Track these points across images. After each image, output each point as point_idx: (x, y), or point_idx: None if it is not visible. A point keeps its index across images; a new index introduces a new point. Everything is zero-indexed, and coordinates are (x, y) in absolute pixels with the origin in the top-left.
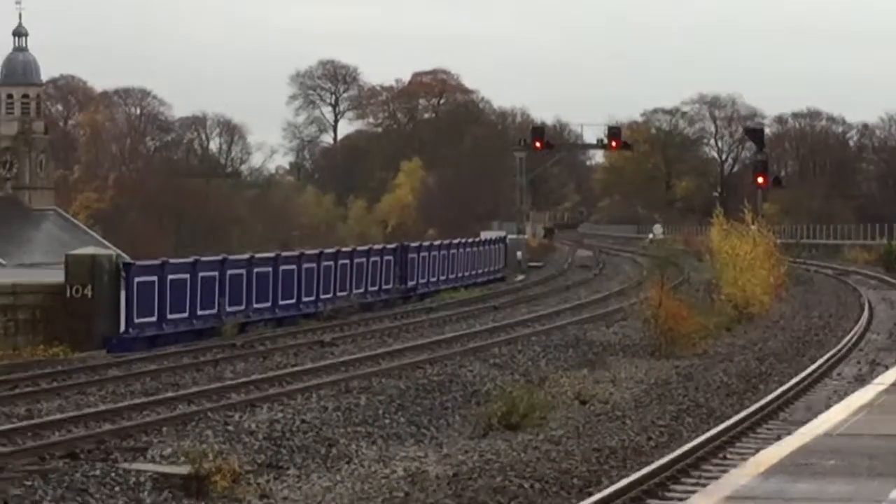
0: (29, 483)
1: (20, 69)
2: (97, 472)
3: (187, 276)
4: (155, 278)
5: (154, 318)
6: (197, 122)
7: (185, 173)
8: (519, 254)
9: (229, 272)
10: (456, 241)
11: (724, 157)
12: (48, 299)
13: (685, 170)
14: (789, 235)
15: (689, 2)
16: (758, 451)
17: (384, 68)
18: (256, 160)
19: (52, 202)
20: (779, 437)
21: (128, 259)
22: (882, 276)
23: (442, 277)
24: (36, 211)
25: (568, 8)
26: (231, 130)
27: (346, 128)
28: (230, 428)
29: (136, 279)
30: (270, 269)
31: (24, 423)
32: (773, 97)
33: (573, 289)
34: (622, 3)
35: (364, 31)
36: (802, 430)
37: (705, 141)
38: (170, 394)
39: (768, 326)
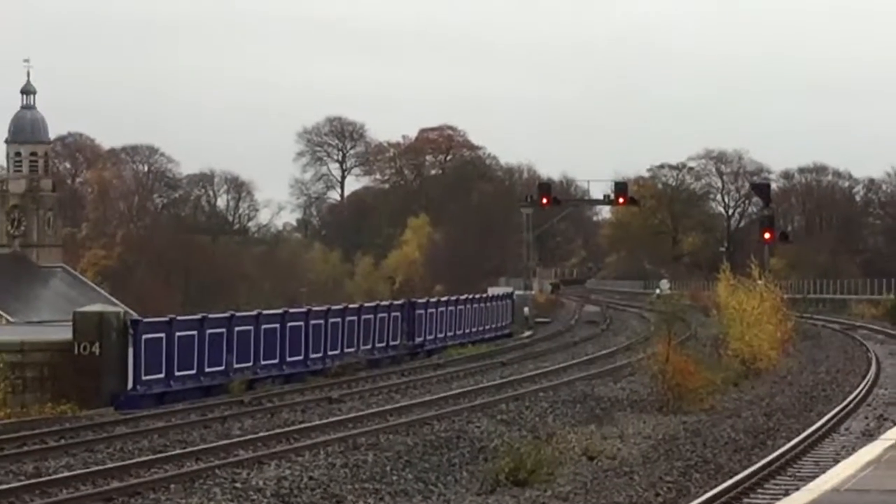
0: None
1: (28, 127)
2: None
3: (195, 332)
4: (163, 335)
5: (162, 375)
6: (204, 179)
7: (193, 230)
8: (526, 309)
9: (237, 329)
10: (463, 297)
11: (730, 212)
12: (56, 357)
13: (692, 225)
14: (796, 290)
15: (696, 56)
16: None
17: (391, 125)
18: (264, 217)
19: (59, 259)
20: (787, 493)
21: (135, 316)
22: (889, 330)
23: (449, 333)
24: (44, 268)
25: (574, 64)
26: (238, 187)
27: (353, 184)
28: (238, 485)
29: (144, 336)
30: (278, 325)
31: (32, 480)
32: (779, 152)
33: (580, 344)
34: (629, 60)
35: (371, 87)
36: (810, 485)
37: (712, 196)
38: (177, 451)
39: (776, 381)
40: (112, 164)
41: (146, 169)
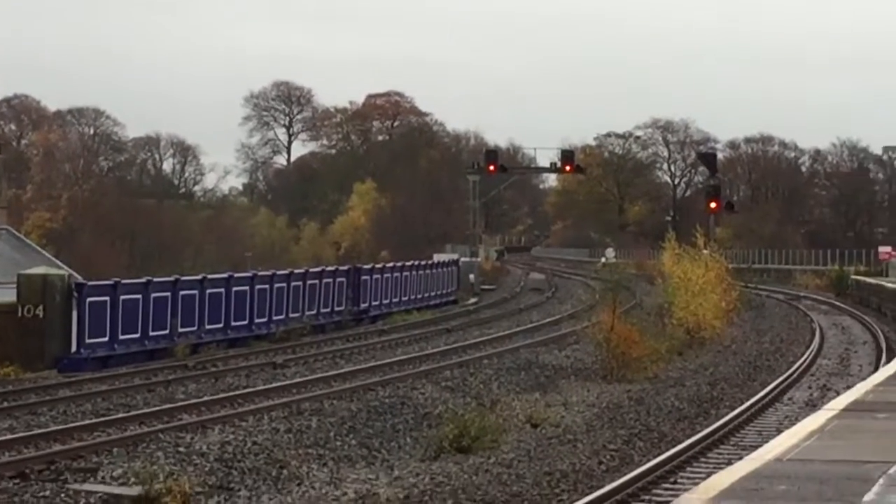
0: None
1: None
2: (47, 493)
3: (140, 296)
4: (107, 299)
5: (106, 339)
6: (150, 143)
7: (139, 194)
8: (472, 276)
9: (182, 293)
10: (409, 263)
11: (676, 181)
12: None
13: (638, 194)
14: (741, 260)
15: (643, 27)
16: (708, 475)
17: (338, 90)
18: (210, 181)
19: (4, 221)
20: (730, 462)
21: (80, 279)
22: (833, 301)
23: (395, 300)
24: None
25: (522, 32)
26: (185, 151)
27: (299, 149)
28: (181, 449)
29: (89, 299)
30: (223, 290)
31: None
32: (726, 122)
33: (525, 312)
34: (576, 29)
35: (318, 53)
36: (753, 455)
37: (658, 165)
38: (121, 414)
39: (720, 351)
40: (58, 127)
41: (92, 132)
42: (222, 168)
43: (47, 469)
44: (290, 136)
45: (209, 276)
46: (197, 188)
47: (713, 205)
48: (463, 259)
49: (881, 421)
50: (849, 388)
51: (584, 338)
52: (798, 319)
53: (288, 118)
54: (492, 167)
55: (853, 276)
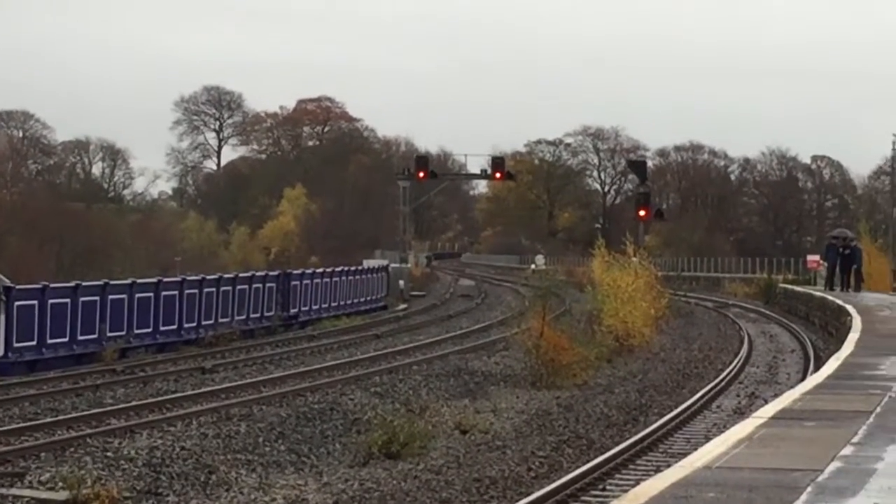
0: None
1: None
2: None
3: (68, 300)
4: (35, 302)
5: (34, 343)
6: (80, 146)
7: (68, 197)
8: (401, 282)
9: (111, 297)
10: (338, 269)
11: (606, 188)
12: None
13: (568, 201)
14: (670, 268)
15: (573, 35)
16: (637, 483)
17: (269, 95)
18: (139, 185)
19: None
20: (658, 470)
21: (8, 283)
22: (761, 309)
23: (324, 305)
24: None
25: (454, 39)
26: (114, 155)
27: (229, 154)
28: (109, 454)
29: (17, 303)
30: (152, 294)
31: None
32: (656, 130)
33: (455, 318)
34: (508, 35)
35: (249, 58)
36: (682, 462)
37: (588, 173)
38: (49, 419)
39: (649, 358)
40: None
41: (21, 135)
42: (152, 172)
43: None
44: (220, 140)
45: (138, 281)
46: (126, 192)
47: (643, 212)
48: (393, 265)
49: (809, 429)
50: (777, 396)
51: (513, 344)
52: (727, 327)
53: (218, 122)
54: (422, 173)
55: (781, 285)
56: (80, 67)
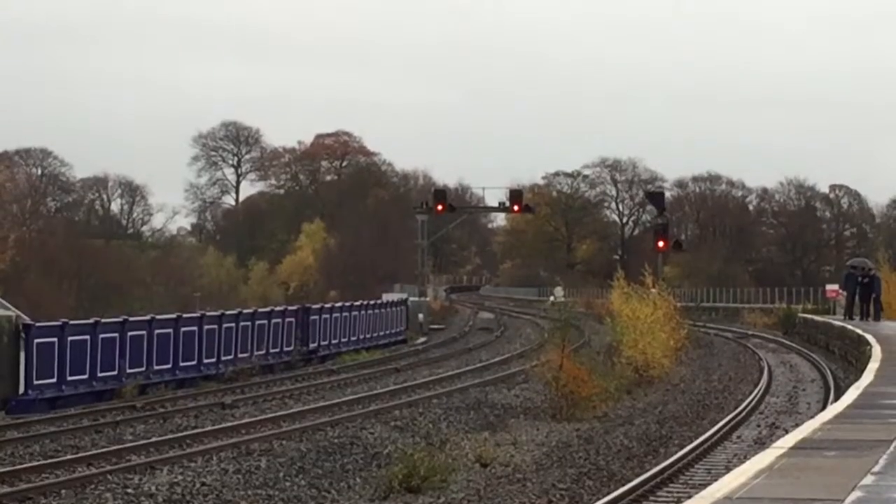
0: None
1: None
2: None
3: (88, 337)
4: (55, 339)
5: (54, 380)
6: (98, 183)
7: (87, 234)
8: (420, 316)
9: (130, 333)
10: (357, 303)
11: (624, 220)
12: None
13: (586, 233)
14: (689, 298)
15: (590, 66)
16: None
17: (287, 130)
18: (158, 221)
19: None
20: (678, 501)
21: (28, 320)
22: (780, 339)
23: (343, 339)
24: None
25: (471, 72)
26: (132, 191)
27: (248, 189)
28: (130, 490)
29: (36, 340)
30: (171, 330)
31: None
32: (674, 161)
33: (474, 351)
34: (525, 69)
35: (266, 93)
36: (703, 493)
37: (606, 204)
38: (69, 456)
39: (668, 389)
40: (5, 167)
41: (40, 172)
42: (170, 208)
43: None
44: (238, 175)
45: (157, 317)
46: (145, 228)
47: (661, 243)
48: (412, 298)
49: (829, 459)
50: (797, 426)
51: (532, 377)
52: (746, 358)
53: (236, 158)
54: (440, 206)
55: (801, 314)
56: (98, 104)
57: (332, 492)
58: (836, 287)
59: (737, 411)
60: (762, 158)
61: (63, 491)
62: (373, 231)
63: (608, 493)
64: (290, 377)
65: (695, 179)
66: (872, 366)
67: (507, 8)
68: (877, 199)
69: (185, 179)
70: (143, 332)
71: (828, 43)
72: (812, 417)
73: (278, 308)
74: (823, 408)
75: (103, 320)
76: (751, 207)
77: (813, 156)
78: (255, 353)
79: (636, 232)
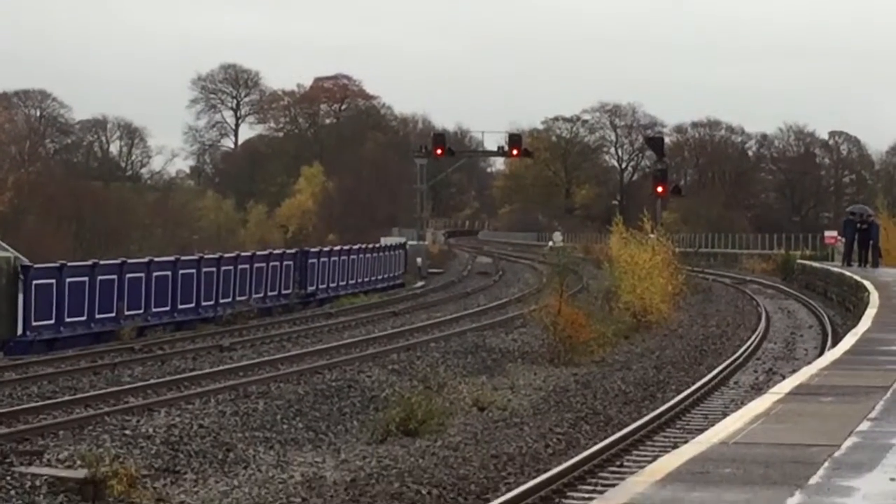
0: None
1: None
2: None
3: (86, 279)
4: (53, 281)
5: (52, 321)
6: (97, 125)
7: (85, 176)
8: (419, 260)
9: (128, 276)
10: (356, 246)
11: (623, 165)
12: None
13: (585, 178)
14: (688, 244)
15: (591, 11)
16: (655, 458)
17: (286, 73)
18: (157, 164)
19: None
20: (675, 446)
21: (26, 262)
22: (779, 285)
23: (342, 283)
24: None
25: (471, 15)
26: (131, 133)
27: (247, 132)
28: (127, 432)
29: (35, 282)
30: (170, 273)
31: None
32: (674, 107)
33: (473, 295)
34: (525, 12)
35: (266, 36)
36: (699, 438)
37: (605, 149)
38: (67, 397)
39: (666, 335)
40: (3, 109)
41: (38, 114)
42: (169, 151)
43: None
44: (237, 119)
45: (156, 259)
46: (144, 171)
47: (660, 189)
48: (410, 242)
49: (827, 405)
50: (794, 371)
51: (530, 321)
52: (744, 303)
53: (235, 101)
54: (439, 151)
55: (799, 261)
56: (96, 46)
57: (329, 435)
58: (834, 233)
59: (734, 357)
60: (762, 104)
61: (61, 432)
62: (372, 175)
63: (605, 438)
64: (288, 320)
65: (694, 125)
66: (870, 312)
67: None
68: (876, 145)
69: (184, 122)
70: (142, 275)
71: None
72: (809, 363)
73: (277, 251)
74: (821, 354)
75: (101, 262)
76: (750, 153)
77: (813, 102)
78: (254, 296)
79: (635, 177)
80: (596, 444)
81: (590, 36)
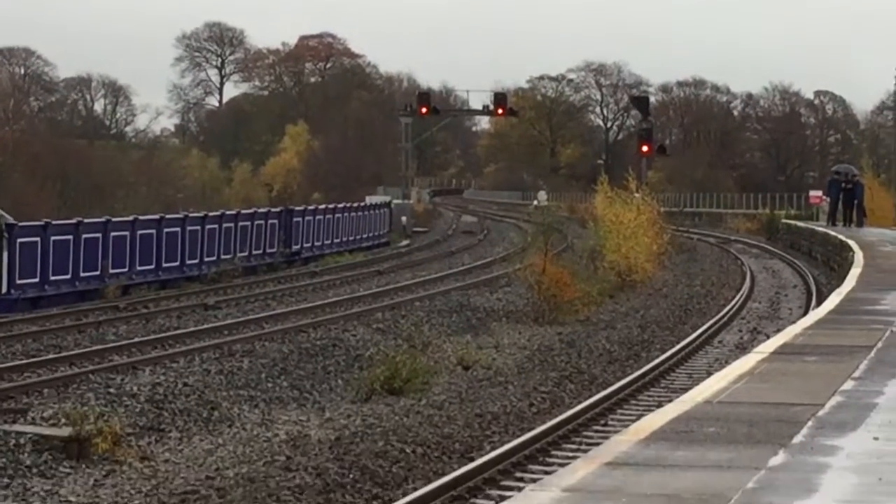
0: None
1: None
2: None
3: (71, 237)
4: (38, 239)
5: (37, 280)
6: (81, 83)
7: (70, 134)
8: (404, 219)
9: (113, 234)
10: (341, 205)
11: (609, 124)
12: None
13: (570, 137)
14: (673, 204)
15: None
16: (639, 417)
17: (271, 32)
18: (141, 122)
19: None
20: (659, 405)
21: (10, 220)
22: (763, 245)
23: (326, 241)
24: None
25: None
26: (116, 92)
27: (231, 91)
28: (112, 390)
29: (19, 240)
30: (154, 231)
31: None
32: (659, 66)
33: (457, 254)
34: None
35: None
36: (683, 397)
37: (591, 108)
38: (51, 355)
39: (651, 294)
40: None
41: (22, 72)
42: (154, 109)
43: None
44: (222, 77)
45: (140, 218)
46: (128, 129)
47: (645, 148)
48: (395, 201)
49: (810, 364)
50: (779, 331)
51: (515, 280)
52: (729, 263)
53: (220, 59)
54: (424, 109)
55: (784, 220)
56: (81, 3)
57: (313, 393)
58: (819, 193)
59: (719, 316)
60: (747, 63)
61: (45, 390)
62: (357, 134)
63: (590, 397)
64: (272, 279)
65: (679, 84)
66: (854, 271)
67: None
68: (862, 105)
69: (168, 80)
70: (126, 233)
71: None
72: (794, 323)
73: (261, 210)
74: (805, 313)
75: (86, 220)
76: (735, 113)
77: (798, 61)
78: (238, 254)
79: (620, 136)
80: (580, 403)
81: None
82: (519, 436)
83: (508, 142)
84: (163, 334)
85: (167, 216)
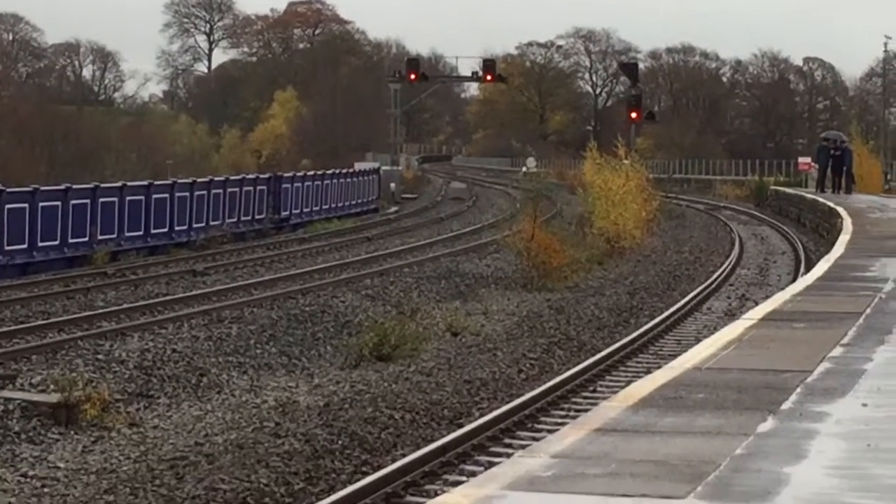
0: None
1: None
2: None
3: (59, 203)
4: (26, 205)
5: (25, 246)
6: (70, 49)
7: (58, 100)
8: (393, 185)
9: (101, 200)
10: (330, 171)
11: (598, 91)
12: None
13: (559, 103)
14: (661, 170)
15: None
16: (628, 384)
17: None
18: (130, 88)
19: None
20: (648, 371)
21: None
22: (752, 211)
23: (315, 208)
24: None
25: None
26: (104, 57)
27: (220, 57)
28: (100, 357)
29: (7, 206)
30: (143, 197)
31: None
32: (648, 32)
33: (446, 221)
34: None
35: None
36: (672, 363)
37: (580, 75)
38: (40, 322)
39: (639, 260)
40: None
41: (11, 37)
42: (142, 75)
43: None
44: (210, 43)
45: (129, 184)
46: (117, 95)
47: (634, 115)
48: (384, 168)
49: (799, 330)
50: (767, 297)
51: (504, 247)
52: (718, 229)
53: (209, 25)
54: (413, 76)
55: (773, 187)
56: None
57: (302, 360)
58: (808, 160)
59: (707, 283)
60: (736, 30)
61: (34, 356)
62: (345, 100)
63: (578, 363)
64: (261, 245)
65: (669, 51)
66: (843, 238)
67: None
68: (851, 71)
69: (157, 46)
70: (115, 199)
71: None
72: (782, 289)
73: (250, 176)
74: (794, 280)
75: (74, 187)
76: (724, 79)
77: (787, 27)
78: (227, 220)
79: (609, 103)
80: (569, 369)
81: None
82: (508, 402)
83: (497, 109)
84: (151, 300)
85: (156, 182)
